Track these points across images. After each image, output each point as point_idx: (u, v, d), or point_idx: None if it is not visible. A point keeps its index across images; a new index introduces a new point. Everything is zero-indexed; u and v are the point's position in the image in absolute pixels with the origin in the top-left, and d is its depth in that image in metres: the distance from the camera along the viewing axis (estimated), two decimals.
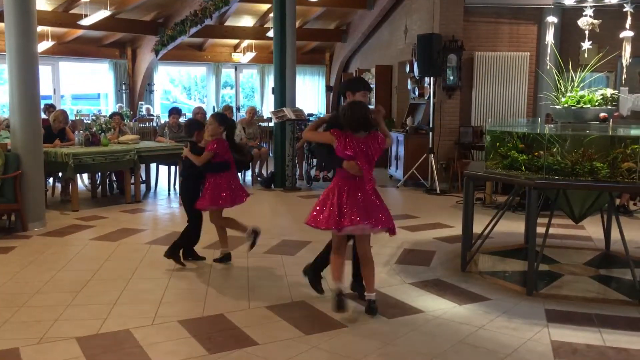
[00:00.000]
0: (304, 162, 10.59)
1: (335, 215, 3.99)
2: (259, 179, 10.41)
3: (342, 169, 4.08)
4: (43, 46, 13.03)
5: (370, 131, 4.10)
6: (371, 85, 13.13)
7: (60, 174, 8.44)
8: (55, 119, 8.28)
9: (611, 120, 5.25)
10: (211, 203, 5.25)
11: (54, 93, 15.07)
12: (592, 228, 6.56)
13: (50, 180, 8.88)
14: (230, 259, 5.42)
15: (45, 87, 13.52)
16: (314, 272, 4.60)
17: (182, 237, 5.36)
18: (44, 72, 13.91)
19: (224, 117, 5.42)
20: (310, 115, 12.40)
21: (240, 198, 5.39)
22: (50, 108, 10.38)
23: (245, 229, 5.32)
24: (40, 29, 12.36)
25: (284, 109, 9.68)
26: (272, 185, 9.88)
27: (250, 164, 10.19)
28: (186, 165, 5.43)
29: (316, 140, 4.44)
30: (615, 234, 5.51)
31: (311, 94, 17.72)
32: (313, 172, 10.54)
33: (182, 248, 5.37)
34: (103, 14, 12.18)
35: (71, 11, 12.98)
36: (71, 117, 11.97)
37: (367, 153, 4.05)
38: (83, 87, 16.73)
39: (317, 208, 4.14)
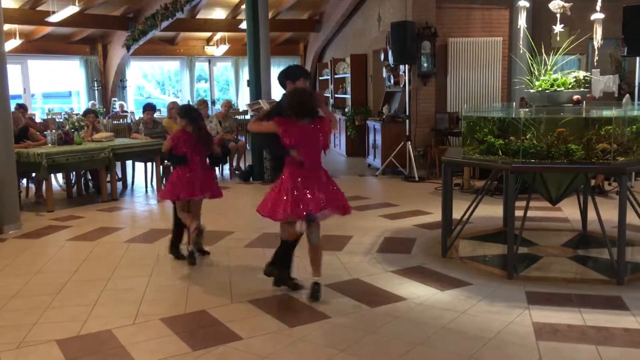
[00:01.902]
0: None
1: (292, 204, 4.01)
2: (237, 172, 10.36)
3: (291, 158, 4.12)
4: (11, 45, 12.75)
5: (315, 117, 4.12)
6: (347, 74, 13.16)
7: (33, 175, 8.30)
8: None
9: (584, 102, 5.30)
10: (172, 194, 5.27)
11: (24, 92, 14.77)
12: (569, 209, 6.64)
13: (24, 181, 8.74)
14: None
15: (14, 87, 13.23)
16: (278, 271, 4.44)
17: None
18: (13, 71, 13.62)
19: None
20: None
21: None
22: (21, 108, 10.17)
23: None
24: (7, 27, 12.11)
25: (260, 100, 9.56)
26: (251, 179, 9.83)
27: (228, 157, 10.13)
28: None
29: (261, 131, 4.41)
30: (591, 215, 5.60)
31: None
32: None
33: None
34: (71, 10, 11.94)
35: (38, 8, 12.70)
36: (43, 116, 11.75)
37: (313, 139, 4.09)
38: (54, 85, 16.41)
39: (272, 198, 4.14)
